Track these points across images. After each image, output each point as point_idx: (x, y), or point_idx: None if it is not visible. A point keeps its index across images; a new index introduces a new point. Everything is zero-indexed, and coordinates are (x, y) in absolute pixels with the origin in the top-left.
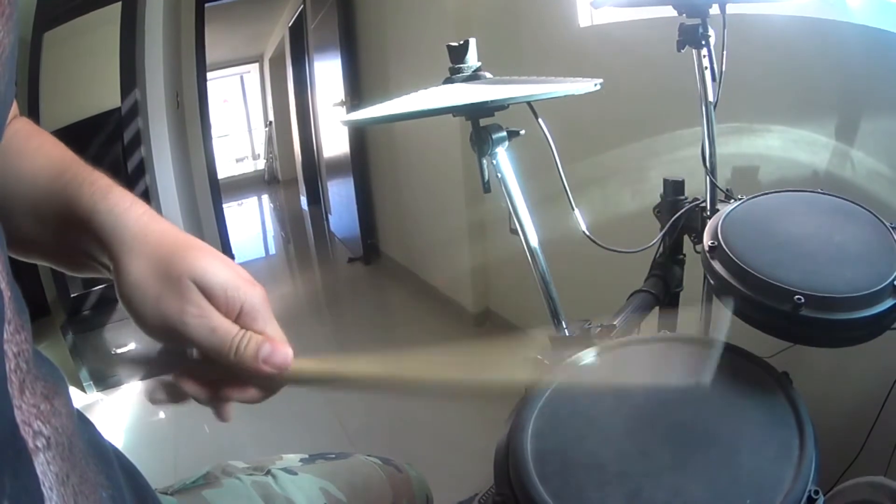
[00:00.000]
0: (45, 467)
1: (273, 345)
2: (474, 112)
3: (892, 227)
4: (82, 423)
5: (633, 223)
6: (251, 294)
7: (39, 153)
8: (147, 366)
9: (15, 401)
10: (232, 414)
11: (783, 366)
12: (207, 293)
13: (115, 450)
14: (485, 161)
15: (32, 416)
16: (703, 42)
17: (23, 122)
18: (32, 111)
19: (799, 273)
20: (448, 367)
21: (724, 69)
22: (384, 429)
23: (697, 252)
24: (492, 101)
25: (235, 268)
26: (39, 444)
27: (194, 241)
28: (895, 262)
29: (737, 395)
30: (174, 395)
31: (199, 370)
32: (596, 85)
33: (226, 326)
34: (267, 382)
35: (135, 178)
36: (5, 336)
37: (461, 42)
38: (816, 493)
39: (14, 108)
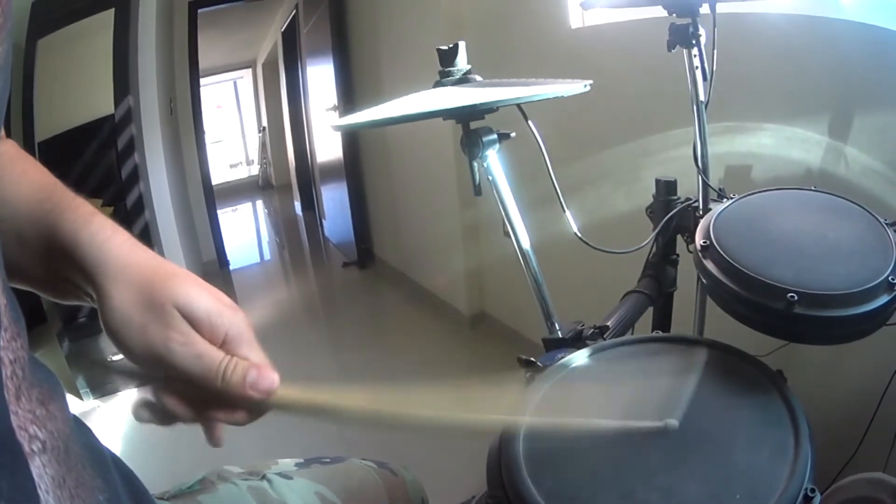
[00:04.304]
0: (41, 470)
1: (259, 370)
2: (463, 115)
3: (887, 224)
4: (79, 427)
5: (626, 223)
6: (235, 320)
7: (24, 177)
8: (136, 378)
9: (11, 406)
10: (223, 439)
11: (778, 364)
12: (192, 320)
13: (113, 454)
14: (475, 164)
15: (28, 421)
16: (694, 41)
17: (8, 144)
18: (26, 118)
19: (792, 271)
20: (441, 402)
21: (714, 68)
22: (380, 433)
23: (690, 252)
24: (480, 104)
25: (218, 294)
26: (35, 448)
27: (176, 269)
28: (889, 259)
29: (731, 395)
30: (161, 416)
31: (182, 387)
32: (585, 86)
33: (211, 353)
34: (254, 406)
35: (129, 184)
36: (1, 343)
37: (450, 45)
38: (813, 491)
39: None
